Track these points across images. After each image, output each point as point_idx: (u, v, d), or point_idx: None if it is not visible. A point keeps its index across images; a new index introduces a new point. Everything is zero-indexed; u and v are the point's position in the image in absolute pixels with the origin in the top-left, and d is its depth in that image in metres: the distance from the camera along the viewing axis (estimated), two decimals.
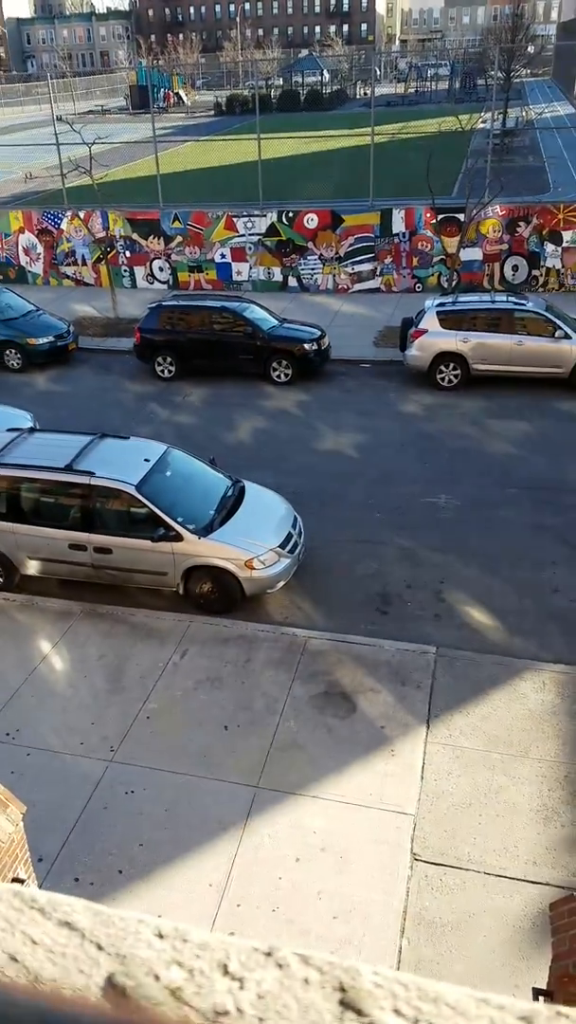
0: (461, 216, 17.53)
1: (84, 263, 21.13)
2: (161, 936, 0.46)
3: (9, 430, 9.79)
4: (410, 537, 9.87)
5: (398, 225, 18.85)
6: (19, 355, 15.88)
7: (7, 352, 15.92)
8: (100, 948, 0.45)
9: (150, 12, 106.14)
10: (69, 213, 20.70)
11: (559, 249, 18.20)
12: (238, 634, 8.11)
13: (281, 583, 8.56)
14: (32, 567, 8.95)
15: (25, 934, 0.46)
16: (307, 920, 5.37)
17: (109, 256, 19.96)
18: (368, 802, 6.18)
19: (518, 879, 5.60)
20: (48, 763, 6.62)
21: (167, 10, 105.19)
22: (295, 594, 8.86)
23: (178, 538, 8.32)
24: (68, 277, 21.36)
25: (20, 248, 21.42)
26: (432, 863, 5.73)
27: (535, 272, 18.49)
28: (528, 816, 6.04)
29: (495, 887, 5.56)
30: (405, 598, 8.81)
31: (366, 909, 5.43)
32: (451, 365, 13.97)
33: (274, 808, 6.16)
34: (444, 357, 13.93)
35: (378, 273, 19.35)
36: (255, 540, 8.43)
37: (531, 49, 53.49)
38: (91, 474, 8.53)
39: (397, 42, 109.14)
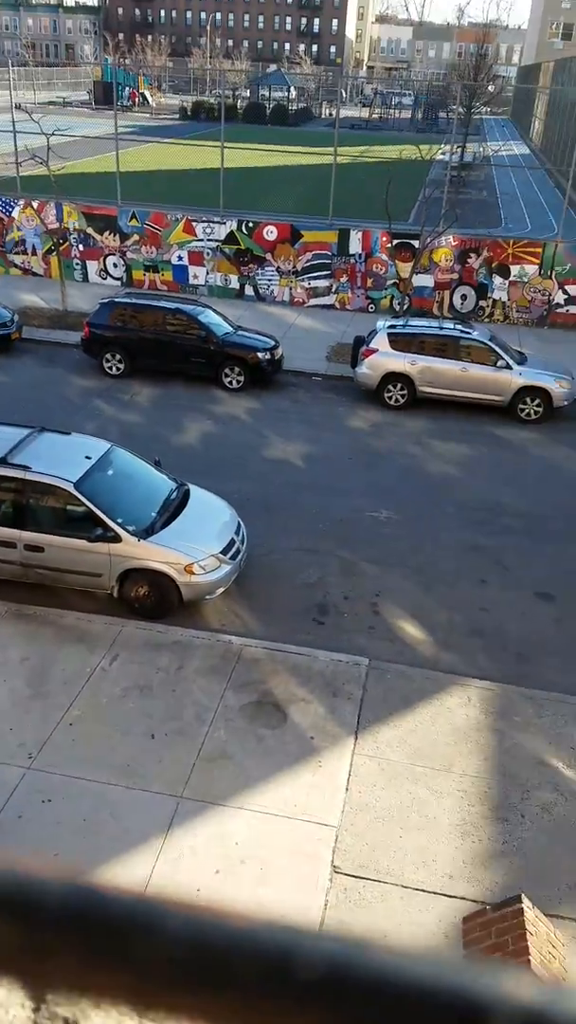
0: (416, 243, 17.95)
1: (35, 253, 20.63)
2: None
3: None
4: (351, 549, 9.95)
5: (355, 246, 19.13)
6: None
7: None
8: None
9: (120, 10, 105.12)
10: (22, 202, 20.21)
11: (506, 283, 18.80)
12: (172, 640, 7.98)
13: (221, 589, 8.49)
14: None
15: None
16: None
17: (61, 248, 19.57)
18: (292, 813, 6.14)
19: (435, 892, 5.66)
20: None
21: (137, 10, 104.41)
22: (234, 601, 8.79)
23: (116, 539, 8.15)
24: (16, 266, 20.81)
25: None
26: (352, 875, 5.74)
27: (482, 303, 19.04)
28: (447, 830, 6.13)
29: (412, 900, 5.60)
30: (342, 609, 8.86)
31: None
32: (399, 385, 14.24)
33: (197, 819, 6.05)
34: (392, 377, 14.18)
35: (333, 290, 19.58)
36: (196, 545, 8.34)
37: (492, 88, 55.39)
38: (27, 468, 8.29)
39: (364, 68, 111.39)
